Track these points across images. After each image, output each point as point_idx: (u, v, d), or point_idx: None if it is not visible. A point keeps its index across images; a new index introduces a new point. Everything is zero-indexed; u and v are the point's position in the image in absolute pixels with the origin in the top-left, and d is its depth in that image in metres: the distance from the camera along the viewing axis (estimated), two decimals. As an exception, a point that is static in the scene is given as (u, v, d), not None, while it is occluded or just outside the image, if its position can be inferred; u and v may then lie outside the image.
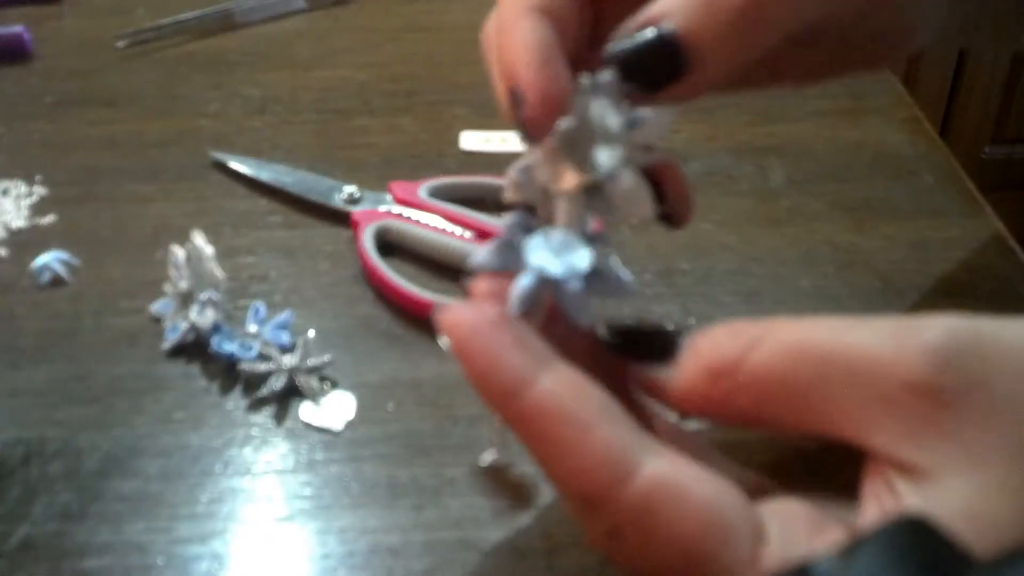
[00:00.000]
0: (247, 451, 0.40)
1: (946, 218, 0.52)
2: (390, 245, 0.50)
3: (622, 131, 0.28)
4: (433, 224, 0.50)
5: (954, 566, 0.21)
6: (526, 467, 0.39)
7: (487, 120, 0.60)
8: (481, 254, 0.30)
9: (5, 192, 0.55)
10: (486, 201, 0.53)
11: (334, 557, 0.36)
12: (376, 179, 0.54)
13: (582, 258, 0.28)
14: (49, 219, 0.53)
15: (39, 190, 0.55)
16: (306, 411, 0.42)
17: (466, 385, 0.42)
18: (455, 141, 0.58)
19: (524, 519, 0.37)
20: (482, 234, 0.49)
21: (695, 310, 0.47)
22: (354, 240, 0.50)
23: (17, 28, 0.67)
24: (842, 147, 0.57)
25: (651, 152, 0.29)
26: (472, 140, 0.59)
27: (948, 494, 0.22)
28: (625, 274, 0.29)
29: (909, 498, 0.23)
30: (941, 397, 0.23)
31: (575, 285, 0.28)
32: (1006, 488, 0.22)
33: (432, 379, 0.43)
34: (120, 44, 0.68)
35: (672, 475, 0.24)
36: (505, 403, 0.26)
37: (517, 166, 0.30)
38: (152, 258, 0.50)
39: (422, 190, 0.52)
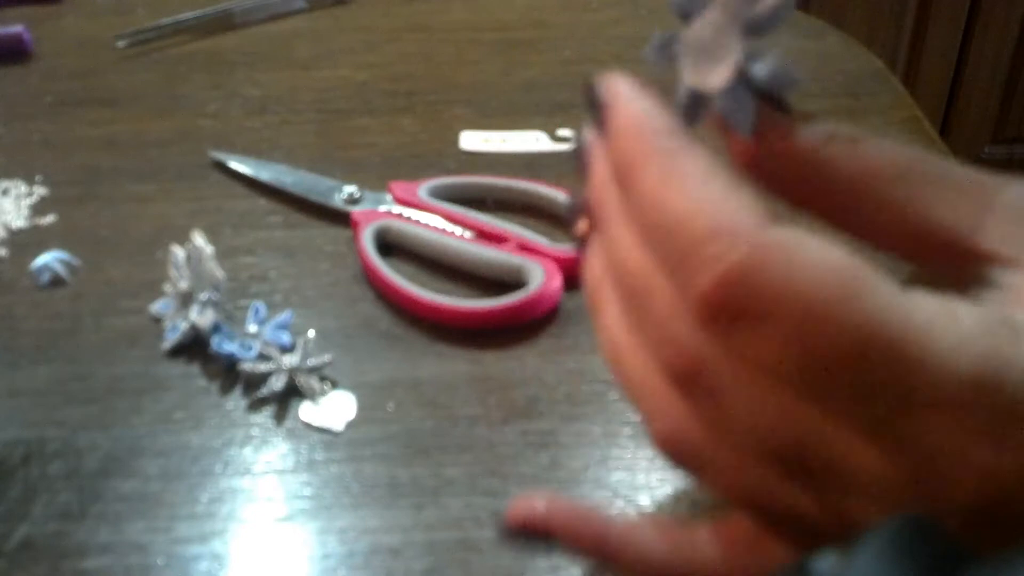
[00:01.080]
0: (247, 451, 0.40)
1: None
2: (390, 245, 0.50)
3: None
4: (433, 224, 0.50)
5: (954, 565, 0.21)
6: (526, 467, 0.39)
7: (487, 120, 0.60)
8: (647, 49, 0.28)
9: (5, 192, 0.55)
10: (486, 201, 0.53)
11: (334, 557, 0.36)
12: (376, 179, 0.54)
13: (727, 66, 0.26)
14: (49, 219, 0.53)
15: (39, 190, 0.55)
16: (306, 411, 0.42)
17: (466, 385, 0.43)
18: (455, 141, 0.58)
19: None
20: (482, 234, 0.49)
21: None
22: (354, 240, 0.50)
23: (17, 28, 0.67)
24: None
25: None
26: (472, 140, 0.59)
27: None
28: (786, 66, 0.27)
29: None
30: None
31: (727, 95, 0.26)
32: None
33: (432, 379, 0.43)
34: (120, 44, 0.68)
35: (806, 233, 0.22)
36: (650, 138, 0.24)
37: None
38: (152, 258, 0.50)
39: (422, 190, 0.52)
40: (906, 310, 0.21)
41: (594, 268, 0.27)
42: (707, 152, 0.24)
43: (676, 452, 0.25)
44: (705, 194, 0.22)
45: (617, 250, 0.25)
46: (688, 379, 0.23)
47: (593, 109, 0.26)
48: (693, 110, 0.27)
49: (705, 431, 0.23)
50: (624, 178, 0.24)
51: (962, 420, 0.20)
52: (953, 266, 0.25)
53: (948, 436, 0.20)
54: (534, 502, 0.28)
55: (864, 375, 0.20)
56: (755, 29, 0.26)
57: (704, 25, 0.27)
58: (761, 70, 0.26)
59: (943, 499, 0.21)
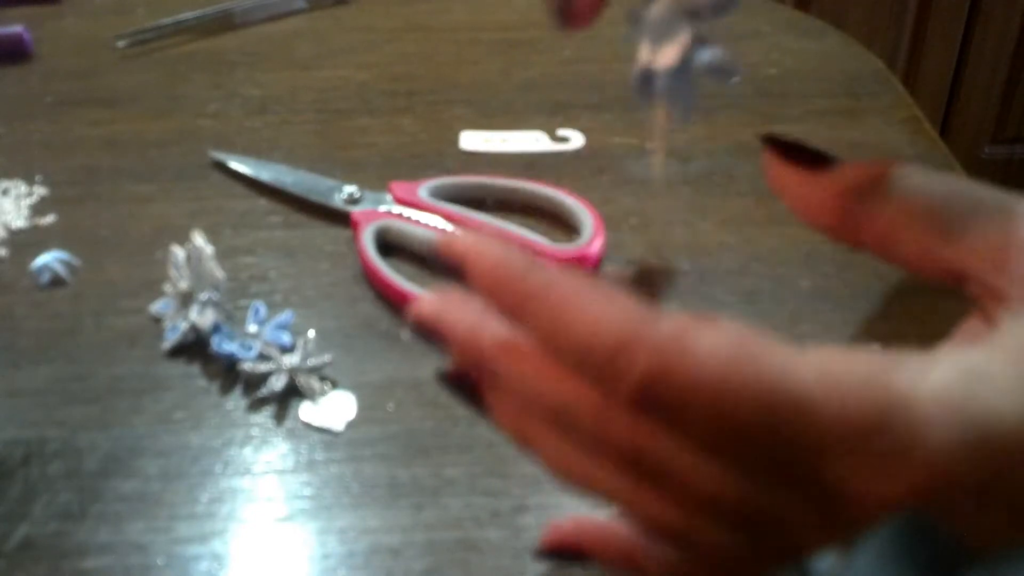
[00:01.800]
0: (247, 451, 0.40)
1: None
2: (390, 245, 0.50)
3: None
4: (433, 224, 0.50)
5: (952, 565, 0.21)
6: (526, 468, 0.39)
7: (487, 120, 0.60)
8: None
9: (5, 192, 0.55)
10: (486, 201, 0.53)
11: (334, 557, 0.36)
12: (376, 179, 0.54)
13: (675, 48, 0.28)
14: (49, 219, 0.53)
15: (39, 190, 0.55)
16: (306, 411, 0.42)
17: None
18: (455, 141, 0.58)
19: (524, 519, 0.37)
20: None
21: (695, 310, 0.47)
22: (354, 240, 0.50)
23: (17, 28, 0.67)
24: (842, 147, 0.56)
25: None
26: (472, 140, 0.59)
27: None
28: (727, 57, 0.29)
29: (1006, 322, 0.25)
30: None
31: (672, 74, 0.28)
32: None
33: (431, 379, 0.43)
34: (120, 44, 0.68)
35: (693, 321, 0.25)
36: (521, 280, 0.26)
37: None
38: (152, 258, 0.50)
39: (422, 190, 0.52)
40: (794, 368, 0.23)
41: (508, 413, 0.29)
42: (570, 277, 0.26)
43: (660, 531, 0.27)
44: (594, 312, 0.25)
45: (530, 386, 0.27)
46: (637, 464, 0.25)
47: (449, 272, 0.28)
48: (643, 87, 0.28)
49: (670, 503, 0.26)
50: (517, 318, 0.26)
51: (860, 460, 0.23)
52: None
53: (853, 476, 0.23)
54: (564, 526, 0.31)
55: (774, 435, 0.23)
56: (698, 15, 0.27)
57: (660, 6, 0.28)
58: (704, 56, 0.28)
59: (853, 531, 0.23)
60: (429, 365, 0.44)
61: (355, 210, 0.52)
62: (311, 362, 0.43)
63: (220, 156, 0.57)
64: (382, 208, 0.52)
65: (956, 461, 0.22)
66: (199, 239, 0.44)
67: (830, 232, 0.30)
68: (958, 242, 0.27)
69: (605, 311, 0.25)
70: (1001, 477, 0.22)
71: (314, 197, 0.53)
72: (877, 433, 0.22)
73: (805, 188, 0.29)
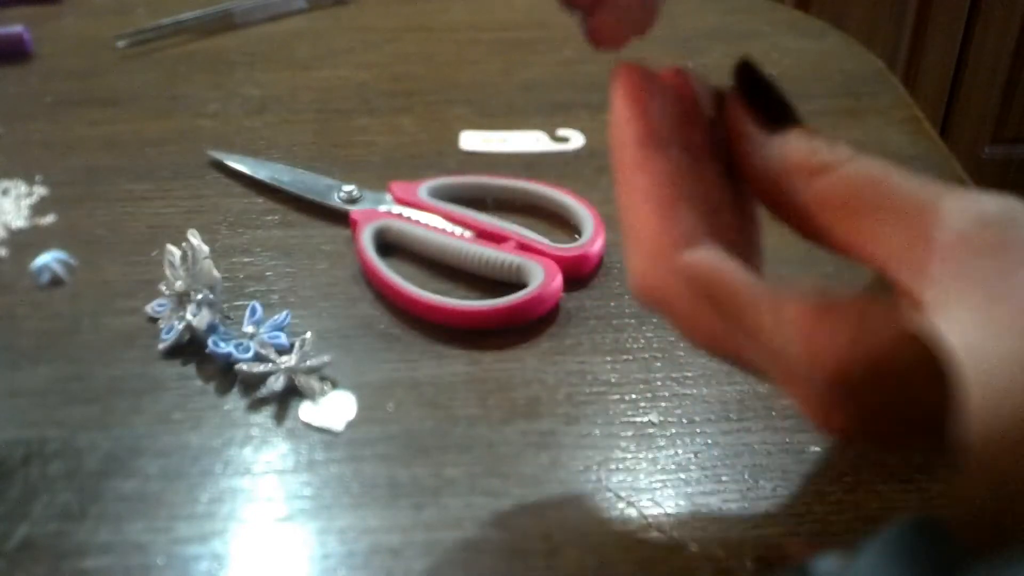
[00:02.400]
0: (247, 451, 0.40)
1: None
2: (389, 245, 0.50)
3: None
4: (433, 224, 0.50)
5: (955, 566, 0.21)
6: (527, 468, 0.39)
7: (487, 120, 0.60)
8: None
9: (5, 192, 0.55)
10: (486, 201, 0.53)
11: (334, 557, 0.36)
12: (376, 179, 0.54)
13: None
14: (49, 219, 0.53)
15: (39, 190, 0.55)
16: (306, 411, 0.42)
17: (466, 385, 0.43)
18: (455, 141, 0.58)
19: (525, 519, 0.37)
20: (482, 234, 0.49)
21: None
22: (353, 240, 0.50)
23: (17, 28, 0.67)
24: (842, 147, 0.57)
25: None
26: (472, 140, 0.58)
27: (952, 325, 0.24)
28: None
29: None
30: (978, 248, 0.24)
31: None
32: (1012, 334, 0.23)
33: (432, 379, 0.43)
34: (120, 44, 0.68)
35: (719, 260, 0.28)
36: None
37: None
38: (150, 258, 0.50)
39: (422, 190, 0.52)
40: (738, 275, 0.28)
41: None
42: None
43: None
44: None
45: None
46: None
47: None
48: None
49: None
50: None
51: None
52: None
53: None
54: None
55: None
56: None
57: None
58: None
59: (804, 378, 0.27)
60: (429, 365, 0.44)
61: (354, 209, 0.52)
62: (309, 363, 0.43)
63: (218, 155, 0.57)
64: (381, 208, 0.52)
65: None
66: (195, 238, 0.44)
67: (760, 196, 0.30)
68: (873, 237, 0.27)
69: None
70: None
71: (312, 196, 0.53)
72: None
73: (753, 146, 0.29)
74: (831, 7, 1.36)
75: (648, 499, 0.38)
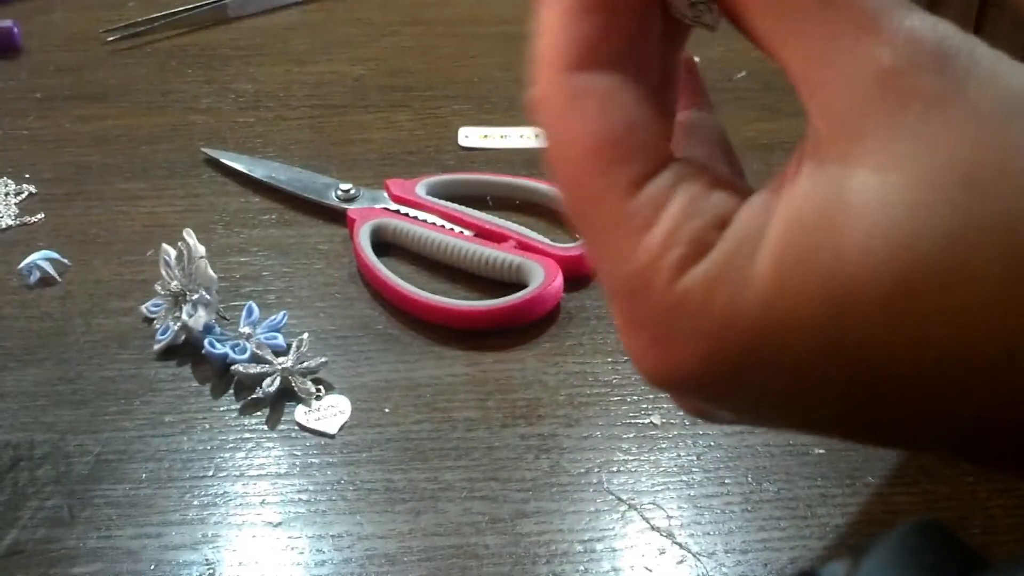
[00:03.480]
0: (240, 455, 0.39)
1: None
2: (386, 244, 0.49)
3: None
4: (431, 222, 0.49)
5: (962, 569, 0.21)
6: (526, 471, 0.39)
7: (486, 116, 0.59)
8: None
9: (-6, 189, 0.54)
10: (486, 199, 0.52)
11: (329, 564, 0.35)
12: (372, 176, 0.53)
13: None
14: (39, 218, 0.52)
15: (28, 188, 0.54)
16: (301, 414, 0.41)
17: (465, 387, 0.42)
18: (453, 137, 0.57)
19: (524, 525, 0.37)
20: (481, 232, 0.49)
21: None
22: (350, 238, 0.49)
23: (7, 22, 0.66)
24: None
25: None
26: (471, 136, 0.58)
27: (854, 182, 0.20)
28: None
29: (803, 173, 0.20)
30: (906, 92, 0.19)
31: None
32: (922, 193, 0.19)
33: (429, 382, 0.42)
34: (111, 38, 0.67)
35: (623, 86, 0.23)
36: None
37: None
38: (143, 257, 0.49)
39: (420, 187, 0.51)
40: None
41: None
42: None
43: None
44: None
45: None
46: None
47: None
48: None
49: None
50: None
51: None
52: None
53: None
54: None
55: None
56: None
57: None
58: None
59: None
60: (426, 367, 0.43)
61: (351, 208, 0.51)
62: (306, 364, 0.42)
63: (212, 152, 0.56)
64: (378, 206, 0.51)
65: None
66: (191, 238, 0.43)
67: None
68: (789, 37, 0.21)
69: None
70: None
71: (309, 195, 0.52)
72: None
73: None
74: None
75: (650, 502, 0.37)
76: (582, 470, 0.39)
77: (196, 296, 0.43)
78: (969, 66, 0.19)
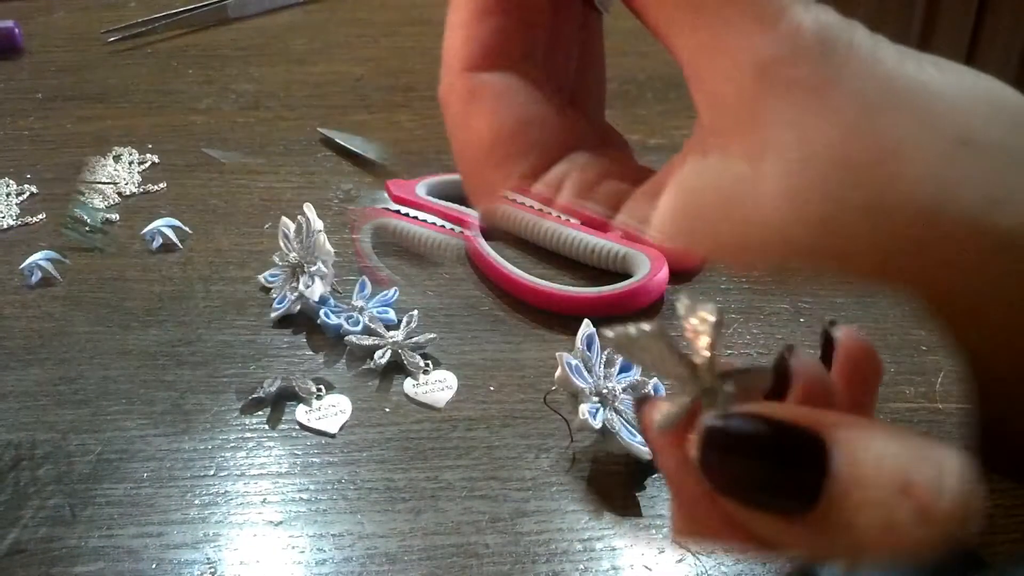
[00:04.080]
0: (240, 454, 0.39)
1: None
2: (386, 243, 0.50)
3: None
4: (431, 221, 0.50)
5: (961, 569, 0.21)
6: (527, 471, 0.39)
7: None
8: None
9: (118, 158, 0.55)
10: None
11: (330, 563, 0.36)
12: (372, 176, 0.53)
13: None
14: (39, 218, 0.52)
15: (29, 188, 0.54)
16: (302, 414, 0.41)
17: (464, 389, 0.42)
18: (453, 137, 0.57)
19: (524, 524, 0.37)
20: (587, 222, 0.49)
21: (805, 310, 0.46)
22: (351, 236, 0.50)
23: (8, 23, 0.66)
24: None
25: None
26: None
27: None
28: None
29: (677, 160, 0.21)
30: (785, 82, 0.19)
31: None
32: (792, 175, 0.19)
33: (533, 363, 0.43)
34: (111, 39, 0.67)
35: None
36: None
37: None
38: (261, 230, 0.49)
39: (419, 188, 0.52)
40: None
41: None
42: None
43: None
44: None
45: None
46: None
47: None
48: None
49: None
50: None
51: None
52: None
53: None
54: None
55: None
56: None
57: None
58: None
59: None
60: (530, 348, 0.43)
61: (351, 207, 0.51)
62: (415, 339, 0.43)
63: (327, 132, 0.57)
64: (379, 206, 0.51)
65: None
66: (310, 211, 0.44)
67: None
68: (680, 29, 0.20)
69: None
70: None
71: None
72: None
73: None
74: (837, 4, 1.35)
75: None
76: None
77: (313, 268, 0.44)
78: (847, 53, 0.19)
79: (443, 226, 0.49)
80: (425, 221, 0.50)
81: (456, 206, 0.50)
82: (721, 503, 0.21)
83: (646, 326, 0.23)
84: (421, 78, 0.63)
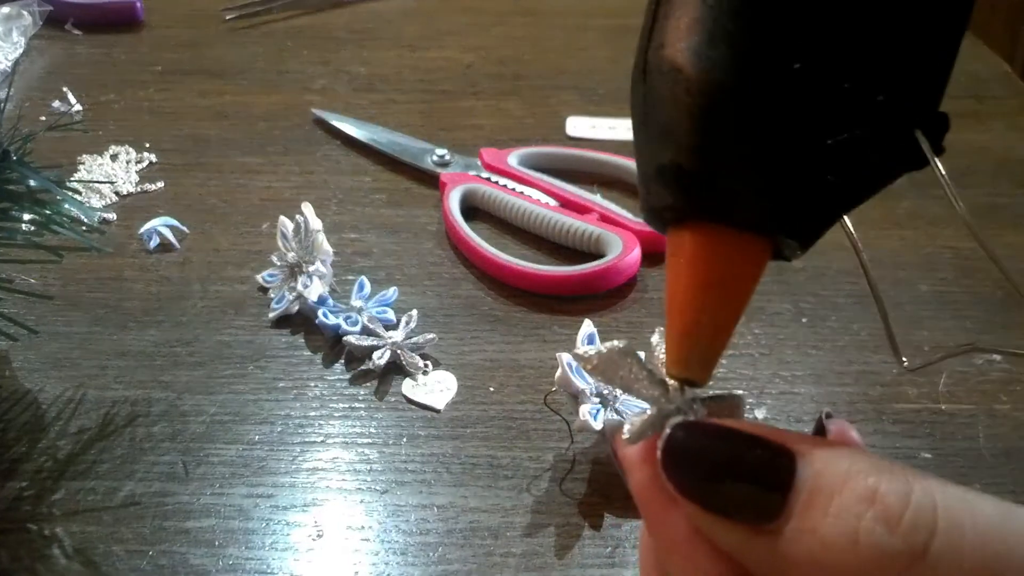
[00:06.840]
0: (349, 423, 0.40)
1: (1072, 229, 0.50)
2: (475, 208, 0.51)
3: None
4: (518, 191, 0.51)
5: None
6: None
7: (594, 107, 0.59)
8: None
9: (115, 157, 0.56)
10: (574, 172, 0.53)
11: (434, 533, 0.36)
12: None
13: None
14: (159, 186, 0.54)
15: (148, 156, 0.56)
16: (408, 387, 0.42)
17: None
18: (561, 127, 0.58)
19: (621, 507, 0.37)
20: (567, 204, 0.49)
21: (807, 310, 0.45)
22: (441, 201, 0.50)
23: (131, -3, 0.69)
24: (964, 150, 0.55)
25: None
26: (578, 126, 0.58)
27: None
28: None
29: None
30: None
31: None
32: None
33: (533, 363, 0.43)
34: (229, 16, 0.69)
35: None
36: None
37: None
38: (259, 229, 0.50)
39: (511, 157, 0.53)
40: None
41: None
42: None
43: None
44: None
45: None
46: None
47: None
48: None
49: None
50: None
51: None
52: None
53: None
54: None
55: None
56: None
57: None
58: None
59: None
60: (530, 348, 0.43)
61: (443, 172, 0.52)
62: (414, 340, 0.42)
63: (321, 114, 0.58)
64: (471, 172, 0.52)
65: None
66: (308, 211, 0.44)
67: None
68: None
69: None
70: None
71: (406, 158, 0.54)
72: None
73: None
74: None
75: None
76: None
77: (312, 268, 0.44)
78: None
79: (530, 195, 0.50)
80: (513, 190, 0.50)
81: (544, 176, 0.51)
82: (688, 520, 0.22)
83: (619, 344, 0.23)
84: (530, 67, 0.63)
